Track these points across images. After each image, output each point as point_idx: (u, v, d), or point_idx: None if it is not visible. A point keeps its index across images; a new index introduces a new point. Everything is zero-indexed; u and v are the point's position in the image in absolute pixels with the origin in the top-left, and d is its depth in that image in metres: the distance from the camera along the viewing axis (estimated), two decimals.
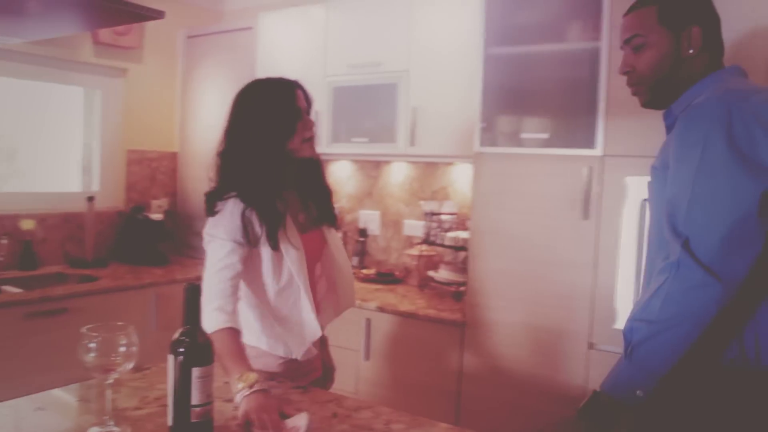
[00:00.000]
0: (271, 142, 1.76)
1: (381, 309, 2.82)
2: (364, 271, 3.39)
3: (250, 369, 1.57)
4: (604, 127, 2.30)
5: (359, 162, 3.63)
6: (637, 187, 2.22)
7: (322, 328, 1.93)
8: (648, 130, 2.19)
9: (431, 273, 3.09)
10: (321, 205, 1.94)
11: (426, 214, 3.16)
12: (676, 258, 1.31)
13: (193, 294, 1.33)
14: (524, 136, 2.51)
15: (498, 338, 2.54)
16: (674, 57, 1.50)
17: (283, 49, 3.53)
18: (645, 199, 2.19)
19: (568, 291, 2.38)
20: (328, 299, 1.95)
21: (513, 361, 2.50)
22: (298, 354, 1.79)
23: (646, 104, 1.60)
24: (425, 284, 3.16)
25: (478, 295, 2.59)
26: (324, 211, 1.94)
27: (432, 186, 3.37)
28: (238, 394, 1.48)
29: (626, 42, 1.57)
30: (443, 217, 3.12)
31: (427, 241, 3.14)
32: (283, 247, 1.74)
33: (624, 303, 2.26)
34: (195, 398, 1.30)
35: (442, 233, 3.07)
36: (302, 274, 1.77)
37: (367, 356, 2.87)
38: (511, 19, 2.59)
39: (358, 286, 3.15)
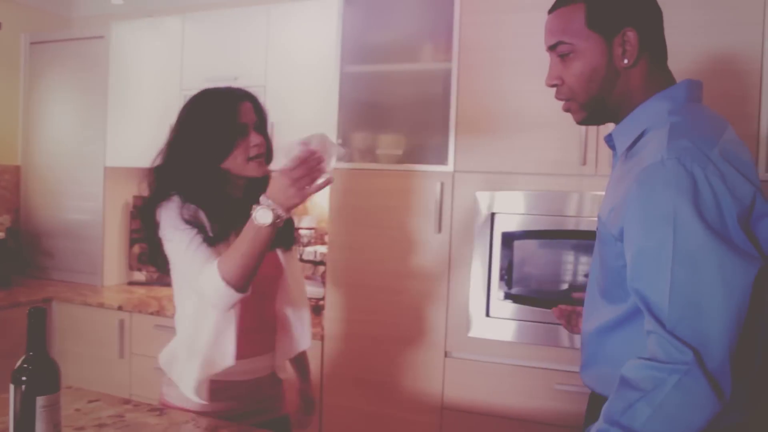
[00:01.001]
0: (205, 159, 1.62)
1: None
2: None
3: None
4: (455, 144, 2.41)
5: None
6: (487, 201, 2.34)
7: (277, 368, 1.81)
8: (496, 148, 2.34)
9: None
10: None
11: None
12: (682, 363, 1.07)
13: (37, 318, 1.23)
14: (380, 152, 2.58)
15: (357, 351, 2.58)
16: (608, 69, 1.27)
17: (137, 60, 3.42)
18: (493, 213, 2.32)
19: (423, 302, 2.47)
20: (281, 337, 1.81)
21: (372, 372, 2.55)
22: (188, 385, 1.61)
23: (581, 122, 1.38)
24: None
25: (336, 309, 2.62)
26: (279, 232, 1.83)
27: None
28: (265, 210, 1.42)
29: (551, 48, 1.33)
30: (302, 231, 3.14)
31: None
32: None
33: (476, 312, 2.37)
34: (40, 430, 1.22)
35: (302, 248, 3.08)
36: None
37: None
38: (367, 38, 2.67)
39: None
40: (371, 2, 2.66)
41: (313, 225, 3.16)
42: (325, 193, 3.04)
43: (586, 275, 2.26)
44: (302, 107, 2.95)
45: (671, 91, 1.28)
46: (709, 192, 1.09)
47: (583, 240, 2.26)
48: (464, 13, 2.41)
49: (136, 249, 3.67)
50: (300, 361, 2.01)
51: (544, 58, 2.27)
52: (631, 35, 1.25)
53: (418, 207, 2.47)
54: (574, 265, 2.31)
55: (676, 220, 1.10)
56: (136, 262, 3.69)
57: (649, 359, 1.11)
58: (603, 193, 2.06)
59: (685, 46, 2.14)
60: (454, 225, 2.42)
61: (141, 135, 3.38)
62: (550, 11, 1.34)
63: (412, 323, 2.49)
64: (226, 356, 1.61)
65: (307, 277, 3.11)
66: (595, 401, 1.36)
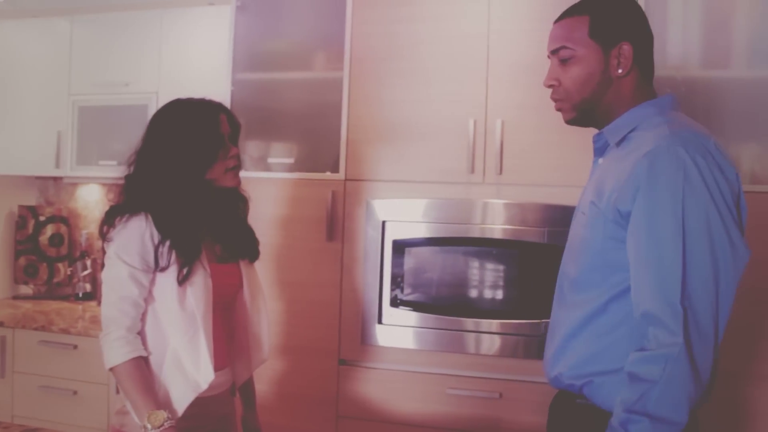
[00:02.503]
0: (189, 170, 1.60)
1: None
2: None
3: (158, 406, 1.48)
4: (347, 153, 2.43)
5: (109, 186, 3.45)
6: (378, 209, 2.36)
7: (235, 384, 1.80)
8: (387, 156, 2.37)
9: None
10: (241, 238, 1.80)
11: None
12: (673, 345, 1.21)
13: None
14: (271, 160, 2.57)
15: None
16: (602, 76, 1.41)
17: (22, 63, 3.28)
18: (384, 221, 2.34)
19: (316, 310, 2.46)
20: (240, 350, 1.79)
21: (267, 382, 2.52)
22: (178, 407, 1.56)
23: (569, 122, 1.50)
24: None
25: None
26: (244, 244, 1.81)
27: None
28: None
29: (553, 53, 1.46)
30: None
31: None
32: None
33: (369, 319, 2.38)
34: None
35: None
36: (202, 306, 1.59)
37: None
38: (261, 46, 2.64)
39: None
40: (264, 10, 2.64)
41: None
42: None
43: (482, 281, 2.32)
44: None
45: (659, 101, 1.43)
46: (712, 180, 1.23)
47: (473, 246, 2.31)
48: (356, 23, 2.44)
49: (22, 261, 3.50)
50: (245, 385, 1.92)
51: (435, 68, 2.34)
52: (626, 48, 1.39)
53: (310, 215, 2.47)
54: (465, 272, 2.35)
55: (686, 205, 1.23)
56: (23, 275, 3.51)
57: (647, 350, 1.25)
58: (493, 200, 2.20)
59: None
60: (346, 233, 2.43)
61: (26, 142, 3.25)
62: (557, 21, 1.48)
63: (306, 332, 2.48)
64: (202, 371, 1.58)
65: None
66: (563, 400, 1.50)
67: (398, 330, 2.35)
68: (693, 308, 1.22)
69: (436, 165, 2.34)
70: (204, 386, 1.57)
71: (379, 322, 2.37)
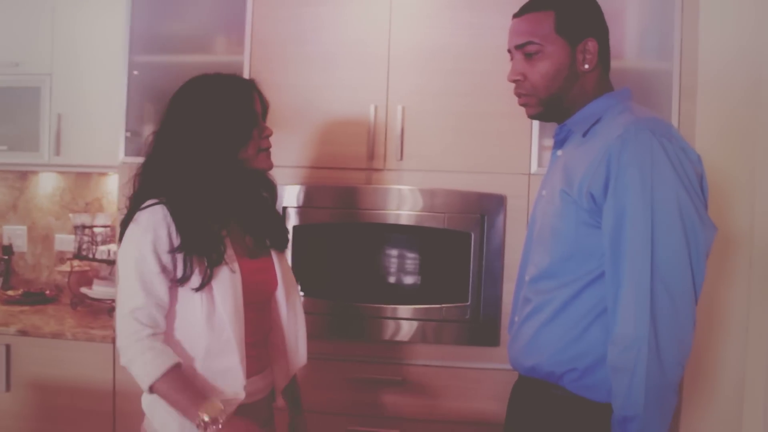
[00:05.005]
0: (222, 148, 1.47)
1: (23, 333, 2.56)
2: (10, 292, 3.06)
3: (206, 397, 1.38)
4: None
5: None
6: (280, 196, 2.32)
7: (276, 389, 1.66)
8: (287, 142, 2.33)
9: (84, 290, 2.91)
10: (271, 226, 1.65)
11: (76, 227, 2.96)
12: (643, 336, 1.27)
13: None
14: None
15: None
16: (569, 71, 1.43)
17: None
18: (285, 207, 2.31)
19: None
20: (277, 352, 1.65)
21: None
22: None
23: (534, 116, 1.53)
24: (79, 302, 2.96)
25: None
26: (275, 233, 1.66)
27: (85, 197, 3.17)
28: (208, 430, 1.33)
29: (518, 48, 1.46)
30: (96, 230, 2.96)
31: (78, 255, 2.95)
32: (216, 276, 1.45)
33: None
34: None
35: (95, 247, 2.91)
36: (232, 314, 1.45)
37: (8, 387, 2.59)
38: (159, 28, 2.55)
39: (0, 309, 2.85)
40: None
41: (108, 222, 2.99)
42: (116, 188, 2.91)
43: (383, 267, 2.32)
44: (93, 98, 2.78)
45: (619, 93, 1.48)
46: (677, 162, 1.28)
47: (374, 233, 2.31)
48: (257, 6, 2.39)
49: None
50: (291, 386, 1.79)
51: (337, 53, 2.33)
52: (592, 44, 1.42)
53: None
54: (366, 258, 2.35)
55: (655, 186, 1.27)
56: None
57: (619, 337, 1.29)
58: (394, 186, 2.21)
59: (464, 45, 2.27)
60: None
61: None
62: (517, 15, 1.48)
63: None
64: (233, 380, 1.47)
65: (102, 278, 2.94)
66: (533, 390, 1.50)
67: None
68: (669, 287, 1.27)
69: (338, 151, 2.32)
70: (240, 397, 1.46)
71: None
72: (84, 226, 2.95)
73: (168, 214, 1.44)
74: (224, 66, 2.43)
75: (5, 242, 3.24)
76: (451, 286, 2.27)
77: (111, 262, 2.87)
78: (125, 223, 1.49)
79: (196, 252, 1.43)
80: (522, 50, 1.45)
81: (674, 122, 2.23)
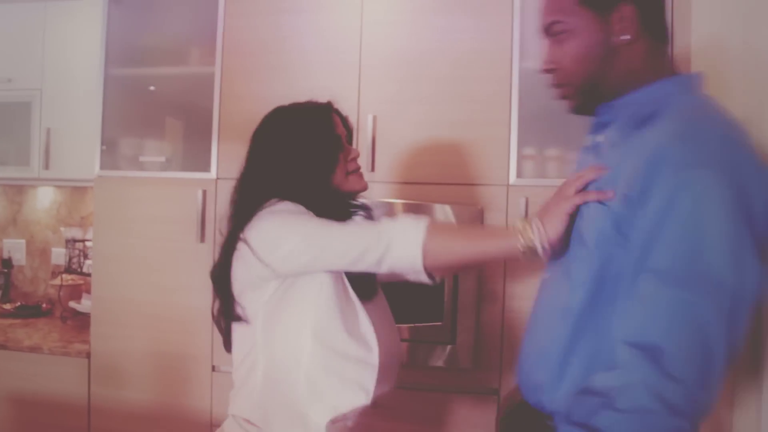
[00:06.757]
0: (313, 179, 1.45)
1: (2, 346, 2.56)
2: (6, 305, 3.08)
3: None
4: (218, 151, 2.33)
5: None
6: None
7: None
8: None
9: (73, 304, 2.90)
10: None
11: (68, 240, 2.96)
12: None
13: None
14: (144, 159, 2.46)
15: (125, 368, 2.43)
16: (604, 46, 1.17)
17: None
18: None
19: (189, 315, 2.36)
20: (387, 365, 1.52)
21: (141, 390, 2.41)
22: (366, 397, 1.39)
23: (576, 111, 1.27)
24: (70, 316, 2.96)
25: (103, 325, 2.46)
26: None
27: (80, 211, 3.18)
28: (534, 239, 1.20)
29: (546, 31, 1.24)
30: (88, 243, 2.95)
31: (68, 269, 2.95)
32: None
33: None
34: None
35: (84, 260, 2.90)
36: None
37: None
38: (135, 41, 2.53)
39: None
40: (139, 2, 2.53)
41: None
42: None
43: None
44: (80, 113, 2.76)
45: (680, 79, 1.20)
46: (732, 225, 0.99)
47: None
48: (228, 16, 2.34)
49: None
50: None
51: (308, 62, 2.25)
52: (627, 10, 1.15)
53: (181, 216, 2.36)
54: None
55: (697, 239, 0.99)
56: None
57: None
58: (364, 199, 1.95)
59: (436, 51, 2.17)
60: (218, 234, 2.32)
61: None
62: None
63: (178, 337, 2.37)
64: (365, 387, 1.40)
65: (86, 290, 2.93)
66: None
67: None
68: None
69: None
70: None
71: None
72: (75, 240, 2.95)
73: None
74: (197, 77, 2.42)
75: (5, 256, 3.27)
76: (424, 306, 2.16)
77: None
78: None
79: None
80: (550, 33, 1.22)
81: None
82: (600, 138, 1.25)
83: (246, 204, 1.45)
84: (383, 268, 1.34)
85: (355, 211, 1.57)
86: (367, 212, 1.60)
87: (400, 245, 1.31)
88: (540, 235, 1.20)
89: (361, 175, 1.55)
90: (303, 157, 1.45)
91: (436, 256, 1.30)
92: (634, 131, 1.15)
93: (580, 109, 1.26)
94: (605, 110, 1.23)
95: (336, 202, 1.51)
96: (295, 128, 1.49)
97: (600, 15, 1.16)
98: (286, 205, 1.41)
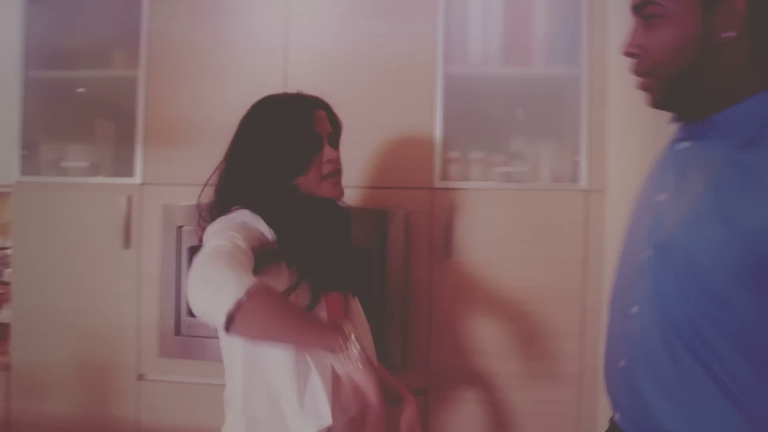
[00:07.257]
0: (275, 175, 1.36)
1: None
2: None
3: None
4: (144, 156, 2.29)
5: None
6: (173, 214, 2.23)
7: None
8: (185, 159, 2.25)
9: None
10: (342, 261, 1.46)
11: None
12: None
13: None
14: (66, 164, 2.40)
15: (47, 379, 2.37)
16: (702, 41, 1.01)
17: None
18: (180, 226, 2.21)
19: (113, 323, 2.31)
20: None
21: (64, 402, 2.35)
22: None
23: (657, 106, 1.12)
24: None
25: (23, 335, 2.39)
26: (347, 270, 1.47)
27: (1, 218, 3.08)
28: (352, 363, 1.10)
29: (636, 10, 1.09)
30: (8, 251, 2.86)
31: None
32: None
33: (166, 330, 2.24)
34: None
35: (6, 269, 2.81)
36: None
37: None
38: (57, 42, 2.47)
39: None
40: (59, 3, 2.47)
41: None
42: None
43: None
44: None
45: None
46: None
47: None
48: (153, 18, 2.31)
49: None
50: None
51: (233, 66, 2.24)
52: (738, 4, 0.99)
53: (105, 222, 2.31)
54: None
55: None
56: None
57: None
58: None
59: (362, 55, 2.19)
60: (143, 240, 2.29)
61: None
62: None
63: (103, 346, 2.32)
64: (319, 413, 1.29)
65: (5, 300, 2.83)
66: None
67: (197, 341, 2.22)
68: None
69: None
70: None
71: (177, 333, 2.23)
72: None
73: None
74: (121, 80, 2.37)
75: None
76: None
77: None
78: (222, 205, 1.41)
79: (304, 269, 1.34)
80: (640, 14, 1.08)
81: (584, 129, 2.14)
82: (685, 144, 1.12)
83: (217, 206, 1.42)
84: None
85: (328, 221, 1.45)
86: (348, 221, 1.52)
87: (205, 302, 1.12)
88: (359, 353, 1.12)
89: (337, 181, 1.45)
90: (269, 154, 1.37)
91: (245, 331, 1.11)
92: (735, 152, 1.01)
93: (662, 105, 1.12)
94: (706, 124, 1.08)
95: (300, 209, 1.38)
96: (267, 121, 1.42)
97: (705, 4, 1.01)
98: (229, 220, 1.32)
